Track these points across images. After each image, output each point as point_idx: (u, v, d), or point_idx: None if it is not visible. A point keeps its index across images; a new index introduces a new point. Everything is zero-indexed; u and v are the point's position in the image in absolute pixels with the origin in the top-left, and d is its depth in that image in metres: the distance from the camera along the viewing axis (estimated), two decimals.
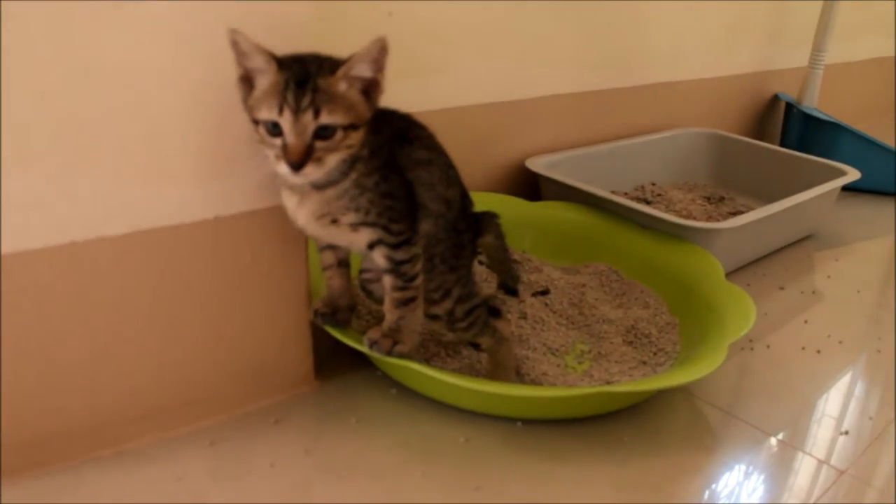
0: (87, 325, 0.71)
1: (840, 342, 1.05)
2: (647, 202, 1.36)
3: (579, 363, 0.93)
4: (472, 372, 0.89)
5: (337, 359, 0.89)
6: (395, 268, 0.75)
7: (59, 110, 0.65)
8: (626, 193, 1.39)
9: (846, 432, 0.87)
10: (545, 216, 1.18)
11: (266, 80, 0.65)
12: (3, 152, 0.63)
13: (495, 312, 0.86)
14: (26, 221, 0.66)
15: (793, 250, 1.33)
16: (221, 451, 0.77)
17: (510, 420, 0.83)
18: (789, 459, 0.82)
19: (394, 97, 1.09)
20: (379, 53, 0.66)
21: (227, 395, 0.81)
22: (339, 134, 0.65)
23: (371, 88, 0.68)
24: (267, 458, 0.76)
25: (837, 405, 0.92)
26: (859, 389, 0.96)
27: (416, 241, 0.76)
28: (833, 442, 0.85)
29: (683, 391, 0.91)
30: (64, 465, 0.73)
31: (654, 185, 1.44)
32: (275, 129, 0.65)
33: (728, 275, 1.18)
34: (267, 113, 0.64)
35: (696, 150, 1.52)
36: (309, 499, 0.72)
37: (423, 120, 1.12)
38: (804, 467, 0.81)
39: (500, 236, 0.92)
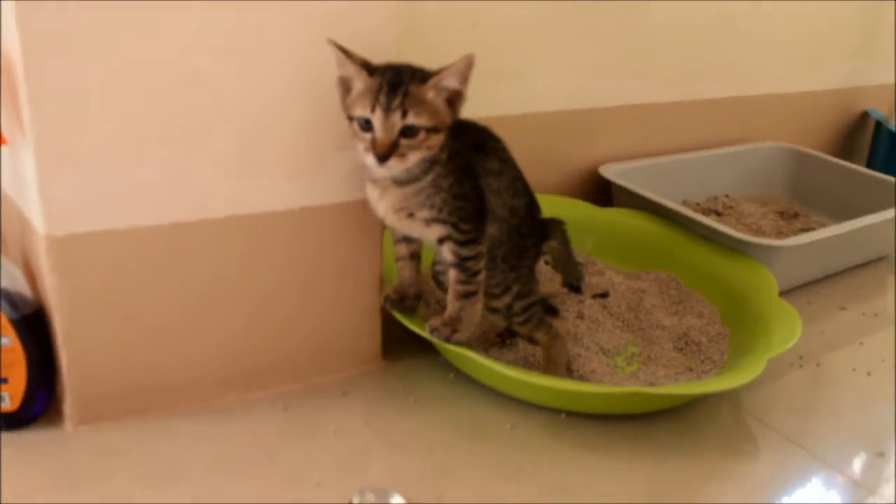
0: (185, 295, 0.82)
1: (891, 367, 1.07)
2: (718, 214, 1.39)
3: (628, 364, 0.99)
4: (527, 364, 0.96)
5: (405, 343, 0.96)
6: (461, 263, 0.83)
7: (171, 109, 0.75)
8: (697, 204, 1.42)
9: (881, 454, 0.90)
10: (612, 222, 1.23)
11: (361, 83, 0.74)
12: (125, 142, 0.74)
13: (552, 311, 0.93)
14: (141, 202, 0.77)
15: (863, 271, 1.34)
16: (292, 416, 0.86)
17: (555, 411, 0.90)
18: (817, 473, 0.86)
19: (475, 100, 1.17)
20: (466, 68, 0.75)
21: (302, 366, 0.91)
22: (423, 135, 0.74)
23: (455, 98, 0.77)
24: (331, 424, 0.85)
25: (878, 427, 0.95)
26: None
27: (482, 241, 0.83)
28: (866, 462, 0.88)
29: (728, 401, 0.96)
30: (159, 414, 0.84)
31: (727, 196, 1.47)
32: (366, 125, 0.74)
33: (790, 291, 1.22)
34: (361, 110, 0.74)
35: (773, 165, 1.53)
36: (365, 463, 0.80)
37: (502, 124, 1.19)
38: (830, 482, 0.84)
39: (564, 241, 0.98)
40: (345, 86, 0.76)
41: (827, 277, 1.29)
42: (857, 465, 0.88)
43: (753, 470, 0.85)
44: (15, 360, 0.78)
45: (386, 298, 0.90)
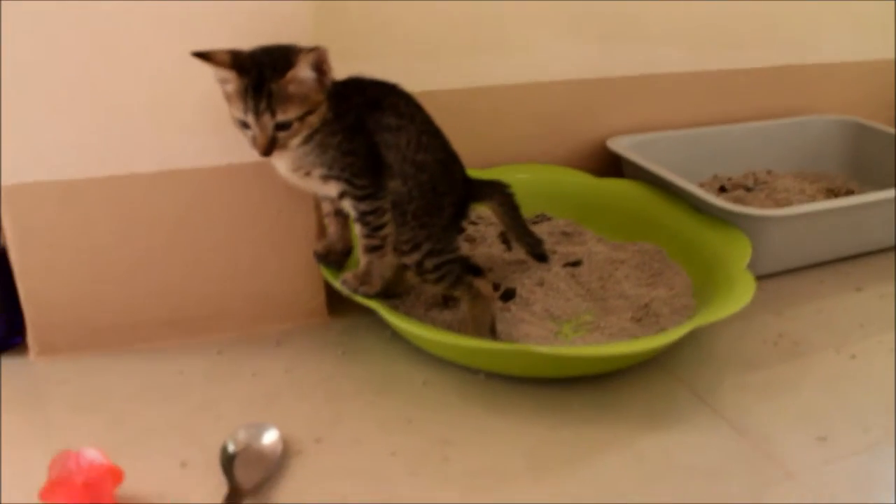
0: (126, 242, 0.90)
1: (890, 350, 0.97)
2: (748, 189, 1.31)
3: (574, 332, 0.97)
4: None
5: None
6: (361, 217, 0.86)
7: (96, 73, 0.84)
8: (729, 179, 1.34)
9: (824, 438, 0.82)
10: (606, 192, 1.19)
11: (232, 84, 0.78)
12: (58, 104, 0.83)
13: (475, 271, 0.93)
14: (77, 157, 0.86)
15: None
16: (223, 359, 0.93)
17: (474, 371, 0.90)
18: (732, 450, 0.80)
19: (476, 68, 1.19)
20: (317, 60, 0.78)
21: (244, 315, 0.97)
22: (296, 124, 0.79)
23: (320, 81, 0.79)
24: (253, 369, 0.91)
25: (838, 410, 0.86)
26: (875, 399, 0.88)
27: (382, 196, 0.85)
28: (805, 447, 0.81)
29: (670, 373, 0.91)
30: (107, 350, 0.93)
31: (769, 172, 1.37)
32: (245, 126, 0.79)
33: (802, 269, 1.13)
34: (237, 113, 0.79)
35: (827, 139, 1.40)
36: (268, 404, 0.85)
37: (501, 94, 1.20)
38: (741, 458, 0.79)
39: (509, 206, 0.98)
40: (224, 87, 0.79)
41: (856, 256, 1.17)
42: (787, 446, 0.81)
43: (658, 443, 0.81)
44: None
45: (314, 253, 0.94)
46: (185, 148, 0.88)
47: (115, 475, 0.70)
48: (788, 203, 1.26)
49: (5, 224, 0.87)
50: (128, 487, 0.71)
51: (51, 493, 0.67)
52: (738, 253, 1.00)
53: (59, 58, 0.82)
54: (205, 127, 0.88)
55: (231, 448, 0.76)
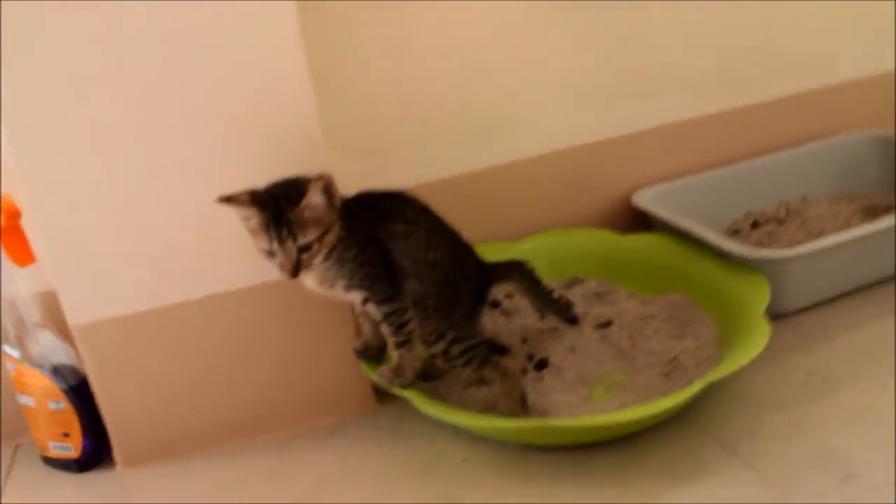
0: (187, 361, 1.02)
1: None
2: (779, 222, 1.32)
3: (606, 393, 1.02)
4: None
5: None
6: (385, 318, 0.95)
7: (144, 221, 0.97)
8: (762, 213, 1.35)
9: (851, 476, 0.84)
10: (631, 247, 1.23)
11: (254, 220, 0.88)
12: (113, 251, 0.96)
13: (501, 350, 1.00)
14: (135, 294, 0.98)
15: None
16: (284, 454, 1.02)
17: (510, 444, 0.96)
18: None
19: (484, 149, 1.27)
20: (325, 186, 0.87)
21: (299, 412, 1.06)
22: (316, 245, 0.88)
23: (330, 203, 0.89)
24: (311, 460, 1.00)
25: (862, 448, 0.88)
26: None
27: (401, 297, 0.94)
28: (831, 489, 0.83)
29: (690, 423, 0.95)
30: (183, 457, 1.04)
31: (802, 200, 1.38)
32: (271, 255, 0.88)
33: (840, 298, 1.14)
34: (262, 244, 0.88)
35: (860, 157, 1.39)
36: (321, 492, 0.94)
37: (520, 168, 1.26)
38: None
39: (529, 281, 1.04)
40: (247, 224, 0.89)
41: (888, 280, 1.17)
42: (814, 489, 0.83)
43: (687, 499, 0.85)
44: (70, 419, 1.02)
45: (354, 350, 1.03)
46: (225, 274, 1.00)
47: None
48: (822, 231, 1.26)
49: (83, 356, 1.00)
50: None
51: None
52: (757, 298, 1.02)
53: (106, 220, 0.96)
54: (242, 254, 0.97)
55: None
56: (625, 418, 0.89)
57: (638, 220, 1.31)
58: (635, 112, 1.33)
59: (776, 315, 1.04)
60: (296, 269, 0.88)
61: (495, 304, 1.18)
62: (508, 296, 1.21)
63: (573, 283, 1.23)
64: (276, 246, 0.87)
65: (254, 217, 0.88)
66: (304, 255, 0.88)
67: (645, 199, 1.29)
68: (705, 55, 1.36)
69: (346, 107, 1.18)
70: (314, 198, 0.87)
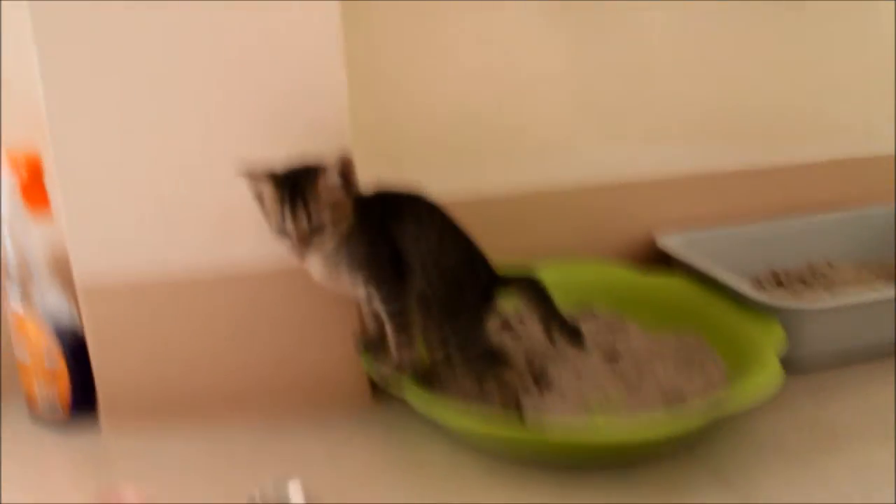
0: (187, 337, 1.01)
1: None
2: (804, 283, 1.30)
3: (607, 417, 0.99)
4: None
5: None
6: (388, 316, 0.94)
7: (157, 192, 0.97)
8: (787, 273, 1.33)
9: None
10: (651, 287, 1.21)
11: (269, 195, 0.88)
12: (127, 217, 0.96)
13: (504, 362, 0.98)
14: (145, 264, 0.98)
15: None
16: (271, 437, 1.00)
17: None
18: None
19: (513, 172, 1.27)
20: (343, 166, 0.87)
21: (293, 398, 1.04)
22: (329, 227, 0.87)
23: (346, 186, 0.88)
24: (297, 445, 0.98)
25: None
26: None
27: (406, 297, 0.93)
28: None
29: (695, 459, 0.91)
30: (171, 423, 1.02)
31: (830, 265, 1.35)
32: (283, 233, 0.88)
33: (860, 362, 1.11)
34: (276, 221, 0.88)
35: (889, 229, 1.38)
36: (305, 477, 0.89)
37: (543, 199, 1.26)
38: None
39: (539, 297, 1.02)
40: (259, 198, 0.89)
41: None
42: None
43: None
44: (62, 379, 1.02)
45: (355, 344, 1.01)
46: (237, 256, 0.99)
47: None
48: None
49: (84, 318, 0.99)
50: None
51: None
52: (772, 343, 1.00)
53: (124, 189, 0.96)
54: (255, 238, 0.96)
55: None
56: (621, 437, 0.86)
57: (657, 261, 1.30)
58: (670, 155, 1.33)
59: (792, 368, 1.01)
60: (306, 245, 0.87)
61: (506, 326, 1.16)
62: (521, 321, 1.19)
63: (587, 313, 1.21)
64: (288, 222, 0.87)
65: (269, 193, 0.88)
66: (316, 238, 0.87)
67: (673, 243, 1.28)
68: (750, 110, 1.36)
69: (380, 113, 1.19)
70: (331, 177, 0.87)
